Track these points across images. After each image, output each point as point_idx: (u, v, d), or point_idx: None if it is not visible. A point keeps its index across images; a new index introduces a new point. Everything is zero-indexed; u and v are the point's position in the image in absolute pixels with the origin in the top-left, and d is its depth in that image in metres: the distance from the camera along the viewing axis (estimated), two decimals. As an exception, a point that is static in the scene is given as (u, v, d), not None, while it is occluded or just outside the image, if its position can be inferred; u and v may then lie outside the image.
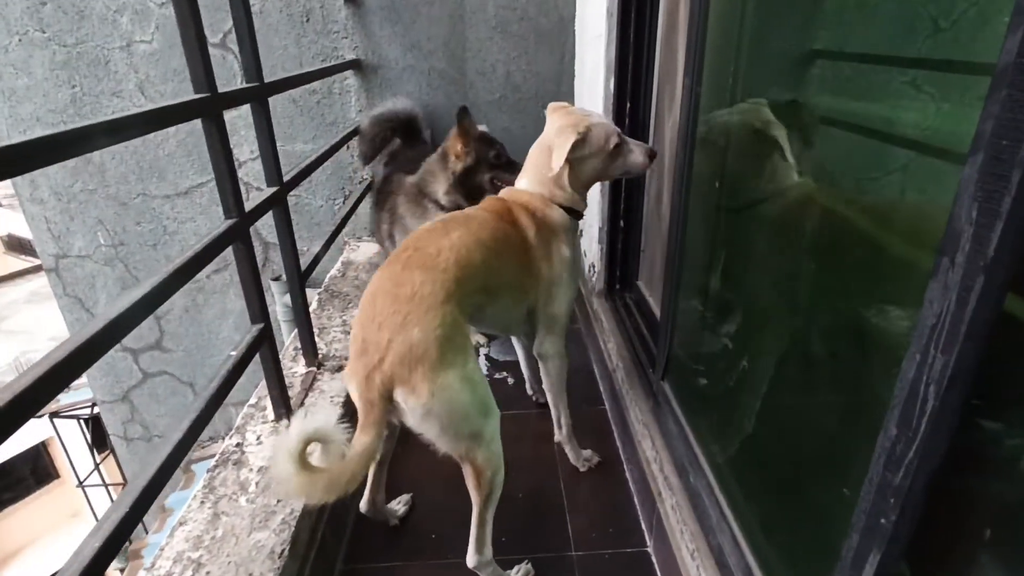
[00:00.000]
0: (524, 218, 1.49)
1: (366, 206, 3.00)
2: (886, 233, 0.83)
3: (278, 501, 1.31)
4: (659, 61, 1.98)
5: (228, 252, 1.34)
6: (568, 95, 2.92)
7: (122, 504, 0.91)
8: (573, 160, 1.48)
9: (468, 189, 2.09)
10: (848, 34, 0.93)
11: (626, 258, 2.28)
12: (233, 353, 1.33)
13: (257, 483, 1.37)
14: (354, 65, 2.80)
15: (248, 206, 1.36)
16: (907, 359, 0.60)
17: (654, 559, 1.49)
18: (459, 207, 1.99)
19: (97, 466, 8.17)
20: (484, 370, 2.32)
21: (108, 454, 8.09)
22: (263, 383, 1.59)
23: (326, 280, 2.62)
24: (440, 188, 2.13)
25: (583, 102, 2.75)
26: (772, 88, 1.15)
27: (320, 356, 1.88)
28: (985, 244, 0.50)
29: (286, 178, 1.61)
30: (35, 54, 2.72)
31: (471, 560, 1.32)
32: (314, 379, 1.79)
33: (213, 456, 1.49)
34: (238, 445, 1.50)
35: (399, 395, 1.15)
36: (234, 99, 1.39)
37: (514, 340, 2.06)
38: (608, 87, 2.15)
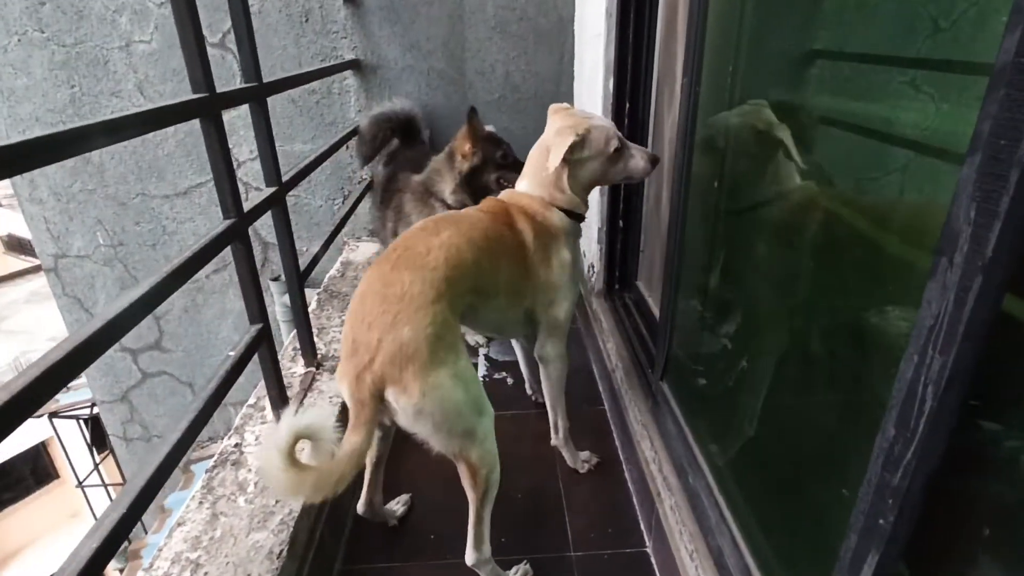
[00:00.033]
0: (522, 221, 1.48)
1: (365, 206, 3.00)
2: (888, 233, 0.83)
3: (276, 502, 1.31)
4: (658, 61, 1.98)
5: (227, 252, 1.34)
6: (567, 95, 2.92)
7: (120, 504, 0.91)
8: (572, 162, 1.47)
9: (474, 189, 2.10)
10: (848, 34, 0.93)
11: (625, 258, 2.28)
12: (231, 353, 1.33)
13: (256, 484, 1.37)
14: (353, 65, 2.80)
15: (247, 206, 1.36)
16: (905, 359, 0.60)
17: (653, 560, 1.49)
18: (465, 207, 1.99)
19: (96, 466, 8.16)
20: (483, 370, 2.32)
21: (107, 454, 8.09)
22: (262, 383, 1.59)
23: (325, 280, 2.62)
24: (447, 188, 2.14)
25: (582, 102, 2.75)
26: (771, 88, 1.15)
27: (319, 356, 1.88)
28: (983, 244, 0.50)
29: (285, 178, 1.61)
30: (34, 54, 2.72)
31: (470, 558, 1.32)
32: (313, 379, 1.79)
33: (212, 456, 1.48)
34: (236, 445, 1.50)
35: (390, 395, 1.14)
36: (232, 99, 1.39)
37: (513, 341, 2.06)
38: (607, 87, 2.15)
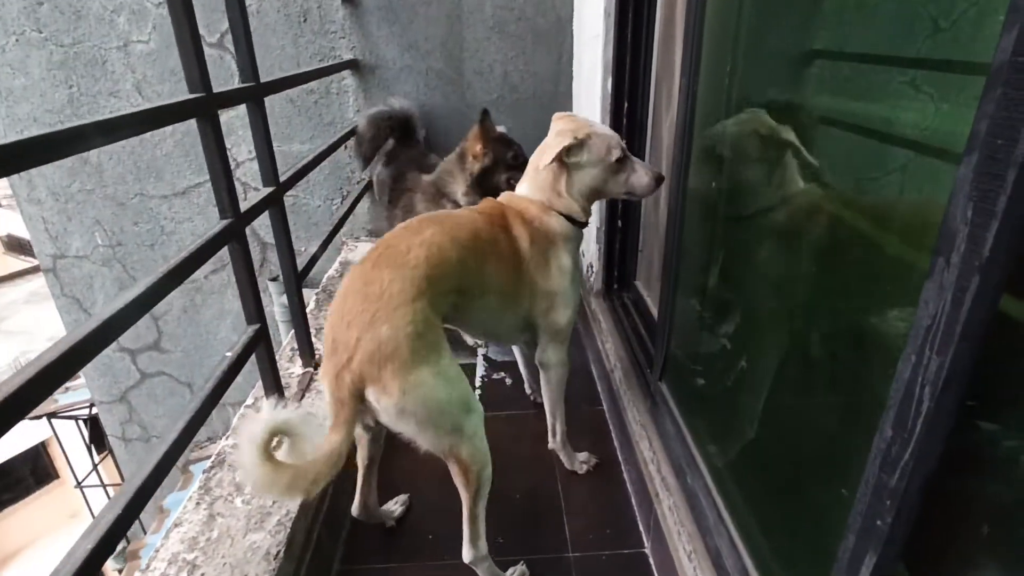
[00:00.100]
0: (518, 224, 1.46)
1: (364, 206, 3.00)
2: (891, 234, 0.83)
3: (273, 502, 1.30)
4: (656, 61, 1.98)
5: (226, 252, 1.34)
6: (566, 95, 2.92)
7: (116, 505, 0.91)
8: (571, 166, 1.46)
9: (485, 190, 2.10)
10: (847, 34, 0.92)
11: (624, 258, 2.28)
12: (229, 354, 1.33)
13: (253, 484, 1.37)
14: (351, 65, 2.80)
15: (244, 206, 1.36)
16: (902, 360, 0.60)
17: (651, 560, 1.49)
18: None
19: (95, 466, 8.16)
20: (482, 370, 2.32)
21: (106, 455, 8.09)
22: (260, 383, 1.59)
23: (324, 280, 2.62)
24: (459, 188, 2.15)
25: (581, 102, 2.75)
26: (769, 88, 1.14)
27: (317, 356, 1.88)
28: (980, 244, 0.50)
29: (283, 178, 1.60)
30: (32, 54, 2.71)
31: (467, 555, 1.32)
32: (311, 379, 1.78)
33: (211, 457, 1.48)
34: (234, 446, 1.50)
35: (370, 394, 1.13)
36: (229, 99, 1.39)
37: (512, 341, 2.06)
38: (605, 87, 2.15)
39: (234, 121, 2.81)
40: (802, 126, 1.01)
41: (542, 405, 1.73)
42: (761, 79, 1.18)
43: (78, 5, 2.65)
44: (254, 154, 1.57)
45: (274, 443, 1.01)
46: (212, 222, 1.29)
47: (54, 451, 10.60)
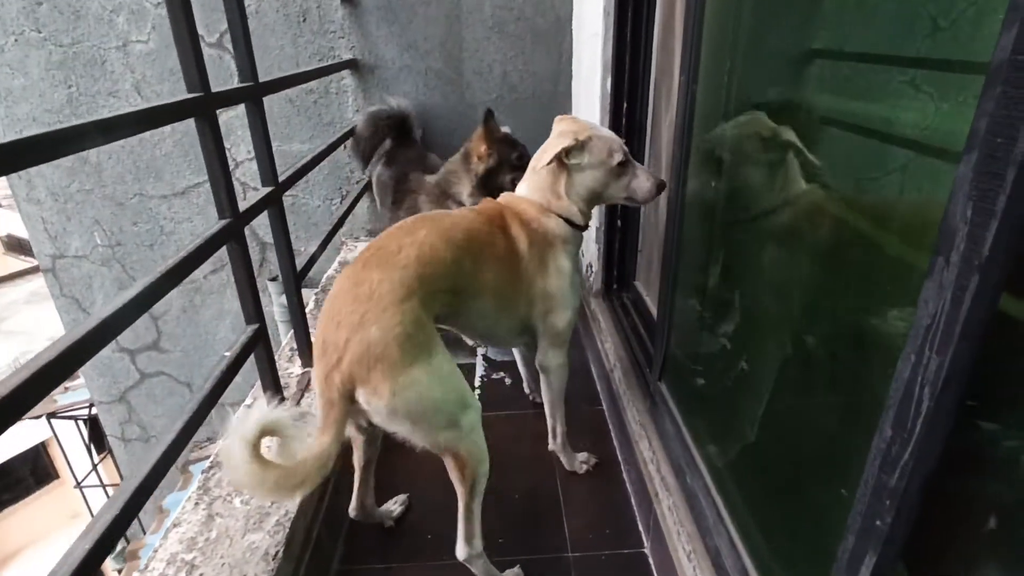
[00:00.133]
0: (516, 226, 1.45)
1: (363, 206, 3.00)
2: (891, 233, 0.82)
3: (272, 503, 1.30)
4: (656, 60, 1.97)
5: (225, 252, 1.34)
6: (565, 95, 2.92)
7: (114, 505, 0.91)
8: (571, 167, 1.45)
9: (490, 190, 2.10)
10: (847, 33, 0.92)
11: (623, 258, 2.27)
12: (227, 353, 1.33)
13: (252, 484, 1.36)
14: (351, 65, 2.80)
15: (243, 206, 1.36)
16: (902, 359, 0.59)
17: (651, 560, 1.49)
18: None
19: (95, 467, 8.15)
20: (481, 370, 2.32)
21: (106, 455, 8.09)
22: (259, 384, 1.58)
23: (323, 280, 2.62)
24: (464, 189, 2.15)
25: (580, 102, 2.74)
26: (769, 87, 1.14)
27: (316, 356, 1.87)
28: (980, 243, 0.50)
29: (281, 178, 1.60)
30: (31, 54, 2.71)
31: (461, 552, 1.31)
32: (310, 380, 1.78)
33: (211, 457, 1.48)
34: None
35: (361, 396, 1.13)
36: (228, 99, 1.38)
37: (511, 340, 2.06)
38: (605, 86, 2.14)
39: (233, 121, 2.81)
40: (801, 126, 1.01)
41: (541, 405, 1.72)
42: (760, 78, 1.18)
43: (77, 5, 2.64)
44: (253, 154, 1.56)
45: (265, 442, 1.01)
46: (211, 222, 1.29)
47: (54, 451, 10.60)
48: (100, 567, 0.85)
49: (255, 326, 1.42)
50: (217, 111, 1.25)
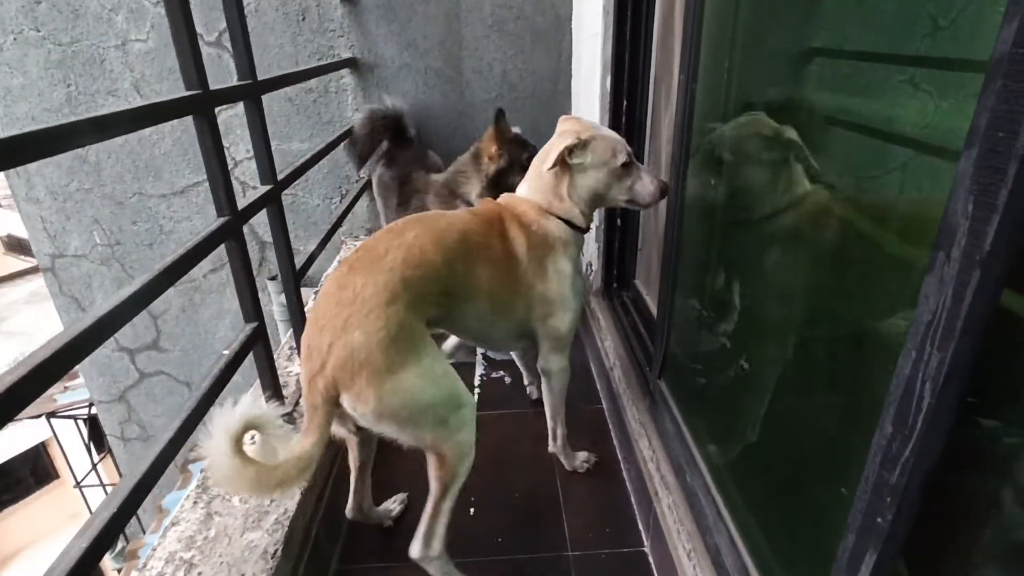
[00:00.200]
0: (515, 228, 1.43)
1: (363, 205, 2.99)
2: (891, 232, 0.82)
3: (271, 501, 1.30)
4: (655, 59, 1.97)
5: (225, 251, 1.33)
6: (565, 94, 2.92)
7: (111, 504, 0.90)
8: (573, 167, 1.43)
9: (499, 191, 2.09)
10: (846, 32, 0.92)
11: (623, 256, 2.27)
12: (226, 352, 1.32)
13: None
14: (350, 64, 2.79)
15: (242, 204, 1.35)
16: (903, 356, 0.59)
17: (651, 559, 1.49)
18: None
19: (95, 466, 8.15)
20: (481, 369, 2.31)
21: (105, 455, 8.08)
22: (258, 383, 1.58)
23: (322, 279, 2.61)
24: (473, 190, 2.13)
25: (580, 101, 2.74)
26: (768, 86, 1.14)
27: (316, 355, 1.87)
28: (981, 238, 0.50)
29: (280, 176, 1.60)
30: (30, 53, 2.71)
31: (415, 551, 1.25)
32: (309, 378, 1.78)
33: (208, 456, 1.48)
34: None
35: (345, 401, 1.12)
36: (226, 96, 1.38)
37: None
38: (604, 85, 2.14)
39: (232, 120, 2.80)
40: (800, 125, 1.01)
41: (541, 402, 1.72)
42: (759, 77, 1.18)
43: (76, 4, 2.64)
44: (252, 153, 1.56)
45: (248, 438, 1.00)
46: (211, 221, 1.29)
47: (54, 451, 10.59)
48: (98, 565, 0.85)
49: (254, 324, 1.42)
50: (216, 109, 1.25)
